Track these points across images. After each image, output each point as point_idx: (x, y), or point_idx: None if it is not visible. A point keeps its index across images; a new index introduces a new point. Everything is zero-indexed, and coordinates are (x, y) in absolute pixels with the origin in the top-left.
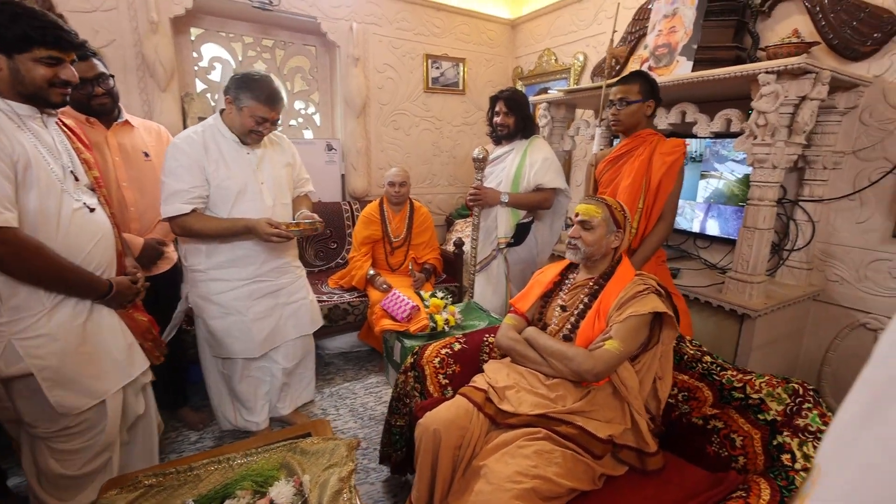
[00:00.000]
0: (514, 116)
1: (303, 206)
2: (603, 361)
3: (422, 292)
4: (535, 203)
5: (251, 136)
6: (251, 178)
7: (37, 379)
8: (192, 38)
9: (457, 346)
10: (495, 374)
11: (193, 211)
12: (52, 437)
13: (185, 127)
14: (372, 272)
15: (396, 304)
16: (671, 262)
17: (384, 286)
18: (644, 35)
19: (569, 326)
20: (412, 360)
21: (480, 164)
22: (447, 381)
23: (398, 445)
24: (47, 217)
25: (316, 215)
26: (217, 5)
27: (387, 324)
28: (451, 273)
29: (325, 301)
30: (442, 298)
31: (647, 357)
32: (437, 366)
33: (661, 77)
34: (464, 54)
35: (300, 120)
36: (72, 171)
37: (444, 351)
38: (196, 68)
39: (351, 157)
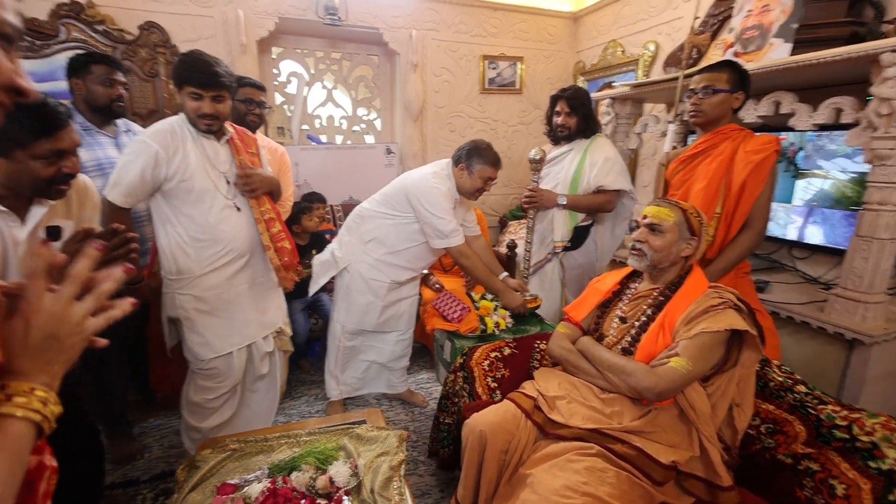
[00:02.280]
0: (576, 116)
1: (489, 254)
2: (667, 380)
3: (472, 294)
4: (596, 205)
5: (475, 195)
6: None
7: (183, 325)
8: (274, 56)
9: (507, 351)
10: (546, 381)
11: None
12: (196, 371)
13: (265, 135)
14: (426, 271)
15: (448, 304)
16: (757, 275)
17: (436, 286)
18: (728, 18)
19: (628, 339)
20: (462, 360)
21: (537, 165)
22: (496, 385)
23: (446, 442)
24: (201, 210)
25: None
26: (294, 25)
27: (438, 323)
28: None
29: None
30: (492, 301)
31: (721, 380)
32: (486, 368)
33: (751, 63)
34: (521, 52)
35: (363, 126)
36: (226, 178)
37: (493, 354)
38: (276, 83)
39: (408, 161)
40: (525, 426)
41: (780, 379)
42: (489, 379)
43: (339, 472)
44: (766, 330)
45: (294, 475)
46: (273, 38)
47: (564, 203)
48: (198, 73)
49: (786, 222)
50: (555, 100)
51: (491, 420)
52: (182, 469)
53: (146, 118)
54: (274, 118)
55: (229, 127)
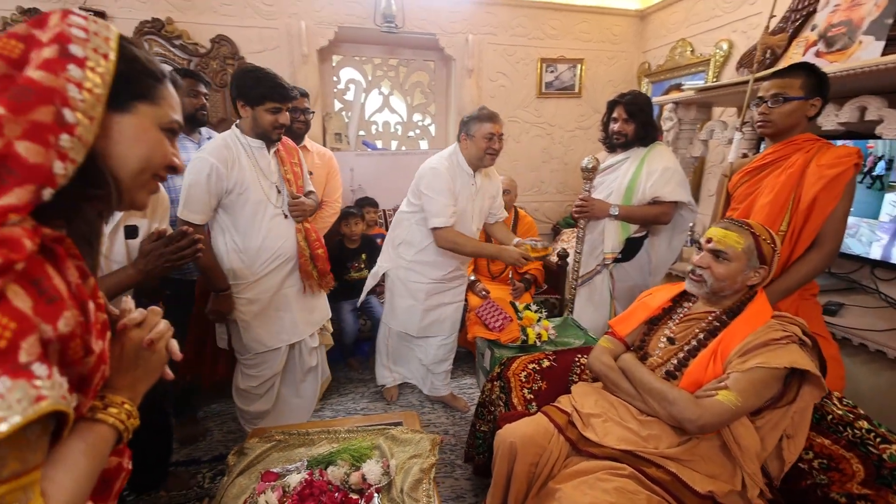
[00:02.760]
0: (633, 123)
1: (504, 230)
2: (712, 413)
3: (517, 303)
4: (651, 217)
5: (487, 157)
6: (469, 204)
7: (238, 325)
8: (334, 65)
9: (545, 363)
10: (582, 398)
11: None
12: (243, 361)
13: (324, 141)
14: (472, 278)
15: (491, 312)
16: (830, 296)
17: (482, 293)
18: (811, 14)
19: (674, 362)
20: (499, 370)
21: (589, 174)
22: (532, 397)
23: (481, 449)
24: (254, 218)
25: (538, 240)
26: (353, 34)
27: (479, 331)
28: (552, 285)
29: None
30: (536, 312)
31: (775, 414)
32: (523, 380)
33: (835, 65)
34: (582, 54)
35: (417, 132)
36: (276, 187)
37: (531, 366)
38: (335, 90)
39: None
40: (557, 441)
41: (839, 412)
42: (525, 390)
43: (372, 470)
44: (829, 359)
45: (330, 469)
46: (333, 47)
47: (616, 214)
48: (278, 89)
49: (870, 240)
50: (612, 105)
51: (523, 432)
52: (233, 454)
53: (217, 126)
54: (332, 124)
55: None
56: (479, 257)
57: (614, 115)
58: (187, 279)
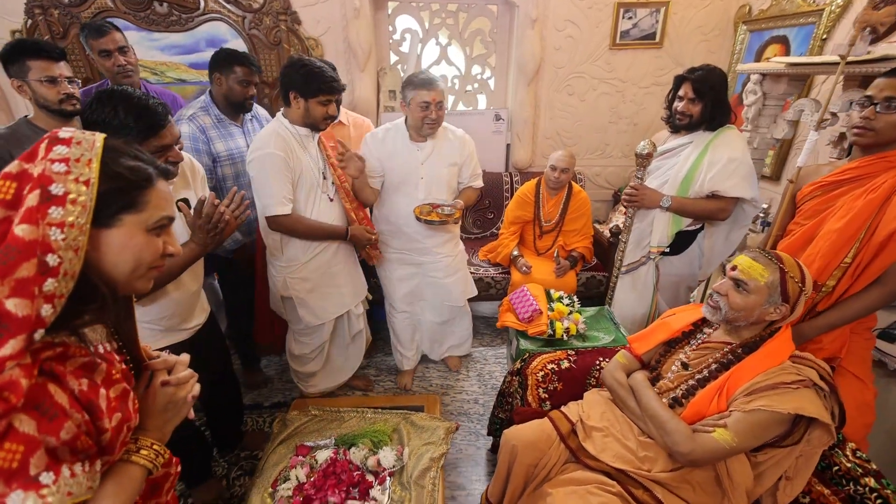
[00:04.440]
0: (700, 104)
1: (463, 196)
2: (704, 450)
3: (552, 291)
4: (706, 213)
5: (425, 127)
6: (413, 172)
7: (294, 301)
8: (389, 13)
9: (564, 364)
10: (590, 408)
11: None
12: (296, 331)
13: (377, 99)
14: (516, 252)
15: (522, 302)
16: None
17: (525, 269)
18: None
19: (683, 389)
20: (520, 365)
21: (644, 160)
22: (546, 396)
23: (498, 433)
24: (306, 204)
25: (456, 205)
26: None
27: (508, 319)
28: (602, 260)
29: (471, 272)
30: (568, 305)
31: (778, 453)
32: (540, 379)
33: None
34: None
35: (476, 85)
36: (323, 173)
37: (550, 366)
38: (391, 41)
39: (517, 127)
40: (558, 447)
41: (848, 465)
42: (541, 389)
43: (387, 456)
44: (860, 405)
45: (353, 450)
46: None
47: (668, 206)
48: (331, 83)
49: None
50: (679, 81)
51: (525, 437)
52: (277, 422)
53: (272, 86)
54: (386, 81)
55: None
56: (314, 238)
57: (680, 92)
58: (230, 257)
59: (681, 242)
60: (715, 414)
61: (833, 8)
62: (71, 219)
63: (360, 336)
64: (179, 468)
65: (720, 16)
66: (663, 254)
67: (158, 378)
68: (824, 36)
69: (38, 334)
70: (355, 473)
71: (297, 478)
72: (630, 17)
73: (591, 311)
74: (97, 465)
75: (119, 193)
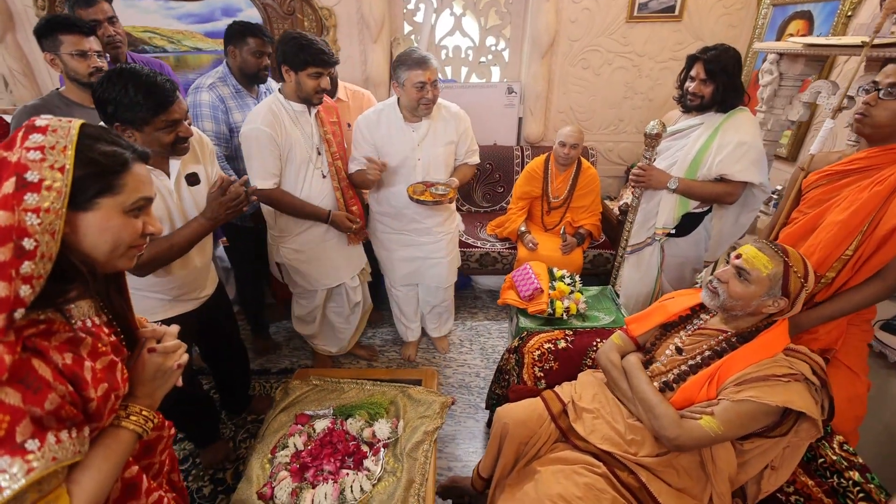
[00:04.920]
0: (712, 85)
1: (458, 173)
2: (690, 436)
3: (554, 270)
4: (713, 196)
5: (421, 107)
6: (410, 154)
7: (287, 268)
8: None
9: (561, 344)
10: (583, 388)
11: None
12: (296, 294)
13: (390, 70)
14: (523, 228)
15: (524, 280)
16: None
17: (531, 245)
18: None
19: (675, 373)
20: (517, 343)
21: (652, 140)
22: (542, 375)
23: (494, 408)
24: (297, 178)
25: (451, 183)
26: None
27: (510, 297)
28: (611, 237)
29: (478, 247)
30: (570, 284)
31: (765, 443)
32: (536, 358)
33: None
34: None
35: (490, 57)
36: (317, 149)
37: (546, 345)
38: (405, 11)
39: (529, 102)
40: (548, 427)
41: (833, 457)
42: (536, 368)
43: (382, 428)
44: (851, 398)
45: (350, 421)
46: None
47: (674, 187)
48: (320, 55)
49: None
50: (691, 61)
51: (516, 416)
52: (280, 391)
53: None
54: (399, 51)
55: None
56: (296, 216)
57: (692, 72)
58: (244, 225)
59: (687, 224)
60: (704, 401)
61: None
62: (46, 204)
63: (358, 307)
64: (173, 431)
65: None
66: (669, 235)
67: (146, 347)
68: (849, 13)
69: (19, 313)
70: (351, 444)
71: (294, 445)
72: None
73: (593, 290)
74: (85, 432)
75: (95, 178)
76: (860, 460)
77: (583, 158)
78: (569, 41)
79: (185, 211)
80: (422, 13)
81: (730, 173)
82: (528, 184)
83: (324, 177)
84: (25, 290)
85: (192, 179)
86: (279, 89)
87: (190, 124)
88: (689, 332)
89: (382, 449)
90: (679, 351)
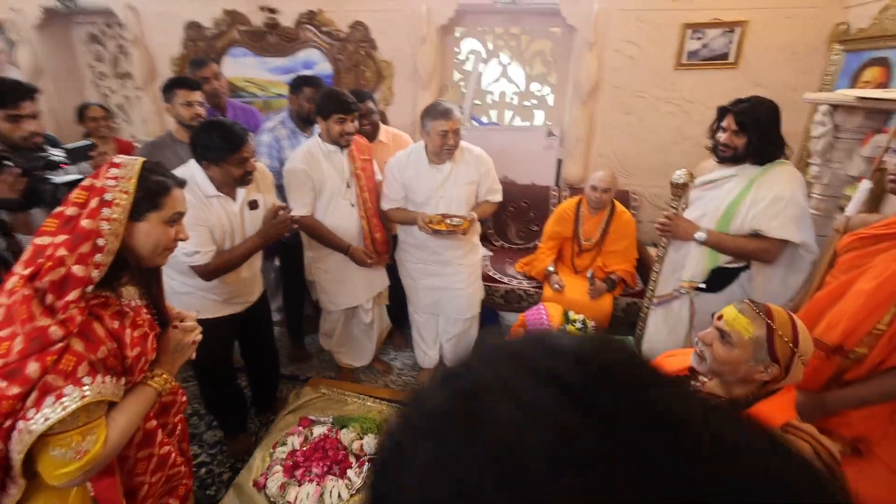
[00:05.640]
0: (745, 137)
1: (479, 209)
2: None
3: (570, 313)
4: (747, 252)
5: (444, 153)
6: (434, 193)
7: (316, 285)
8: (457, 35)
9: None
10: None
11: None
12: (322, 308)
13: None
14: (551, 269)
15: (534, 319)
16: None
17: (557, 286)
18: None
19: None
20: None
21: (679, 190)
22: None
23: None
24: (326, 209)
25: (467, 216)
26: (472, 8)
27: (518, 334)
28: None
29: (504, 283)
30: (580, 329)
31: None
32: None
33: None
34: (745, 15)
35: (534, 101)
36: (346, 182)
37: None
38: (455, 61)
39: (570, 144)
40: None
41: None
42: None
43: (370, 442)
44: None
45: (344, 431)
46: (457, 19)
47: (703, 239)
48: (342, 103)
49: None
50: (722, 112)
51: None
52: (293, 394)
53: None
54: (448, 96)
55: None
56: (321, 242)
57: (723, 123)
58: (292, 243)
59: (719, 279)
60: None
61: None
62: (115, 216)
63: (371, 327)
64: (185, 398)
65: (813, 33)
66: (698, 289)
67: (174, 331)
68: None
69: (89, 289)
70: (340, 452)
71: (292, 444)
72: (699, 37)
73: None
74: (121, 381)
75: (147, 199)
76: None
77: (617, 202)
78: (612, 88)
79: (245, 230)
80: (471, 62)
81: (765, 229)
82: (558, 224)
83: (352, 206)
84: (95, 273)
85: (253, 205)
86: (318, 133)
87: (255, 161)
88: None
89: (367, 463)
90: None
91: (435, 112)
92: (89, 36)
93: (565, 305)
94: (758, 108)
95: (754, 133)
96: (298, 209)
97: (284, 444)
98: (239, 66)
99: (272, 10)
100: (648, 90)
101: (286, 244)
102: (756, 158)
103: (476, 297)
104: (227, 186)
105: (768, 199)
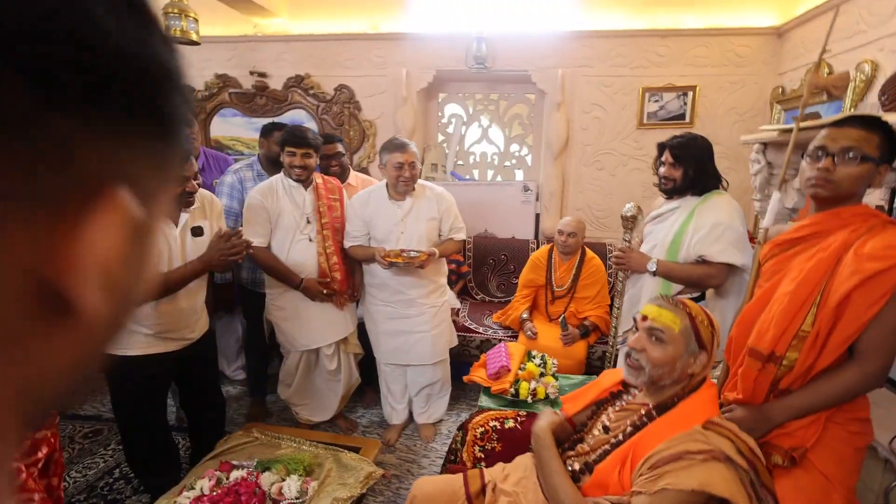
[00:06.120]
0: (681, 168)
1: (441, 246)
2: None
3: (533, 352)
4: (694, 279)
5: (400, 184)
6: (393, 228)
7: (273, 324)
8: (440, 101)
9: (509, 423)
10: (514, 471)
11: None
12: (284, 357)
13: (420, 172)
14: (525, 316)
15: (494, 358)
16: None
17: (530, 333)
18: None
19: (595, 456)
20: (467, 419)
21: (629, 222)
22: (482, 455)
23: None
24: (283, 243)
25: (423, 254)
26: (450, 75)
27: (477, 375)
28: None
29: (480, 333)
30: (539, 366)
31: None
32: (479, 436)
33: None
34: (694, 81)
35: (514, 161)
36: (307, 218)
37: (492, 423)
38: (439, 124)
39: (545, 199)
40: None
41: None
42: (477, 448)
43: (291, 486)
44: None
45: (266, 474)
46: (438, 85)
47: (653, 270)
48: (293, 137)
49: None
50: (661, 148)
51: (428, 490)
52: (222, 441)
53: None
54: (430, 156)
55: (318, 178)
56: (271, 275)
57: (662, 157)
58: (258, 292)
59: None
60: (618, 487)
61: (858, 82)
62: None
63: (336, 376)
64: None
65: (756, 96)
66: None
67: None
68: (852, 109)
69: None
70: (254, 498)
71: (200, 489)
72: (656, 101)
73: (576, 378)
74: None
75: None
76: None
77: (587, 248)
78: (581, 145)
79: (186, 257)
80: (453, 126)
81: (708, 254)
82: (531, 272)
83: (310, 241)
84: None
85: (197, 231)
86: (283, 169)
87: (199, 184)
88: (617, 409)
89: None
90: (606, 430)
91: (391, 146)
92: None
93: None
94: (691, 142)
95: (689, 165)
96: (252, 238)
97: (192, 488)
98: (227, 126)
99: (262, 74)
100: (616, 147)
101: (249, 290)
102: (695, 190)
103: (441, 339)
104: (167, 210)
105: (708, 226)
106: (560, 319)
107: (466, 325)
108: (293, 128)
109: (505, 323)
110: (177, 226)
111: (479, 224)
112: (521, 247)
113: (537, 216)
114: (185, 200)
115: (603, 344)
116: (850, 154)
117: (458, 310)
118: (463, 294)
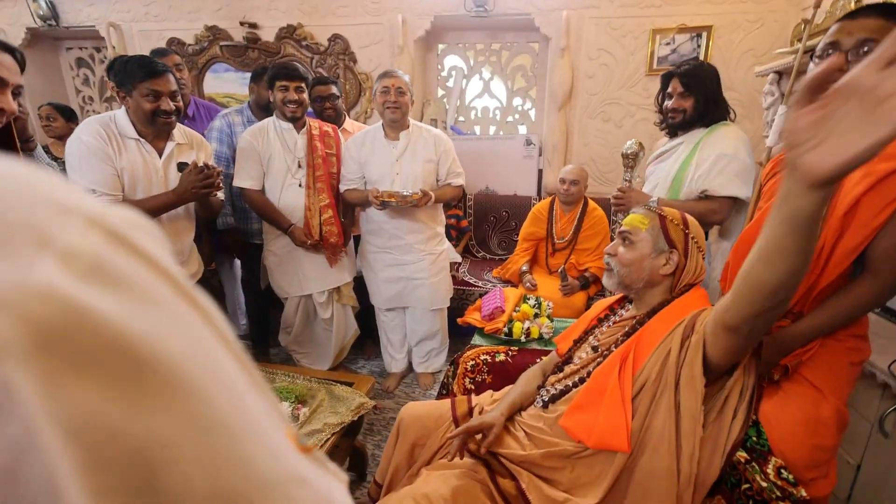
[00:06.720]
0: (691, 98)
1: (439, 190)
2: None
3: (530, 297)
4: (696, 215)
5: (387, 112)
6: (389, 168)
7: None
8: (439, 53)
9: (500, 357)
10: (501, 396)
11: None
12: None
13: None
14: (524, 269)
15: (489, 300)
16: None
17: (529, 285)
18: None
19: (588, 371)
20: (458, 354)
21: (629, 160)
22: (472, 387)
23: None
24: (274, 185)
25: (416, 193)
26: (449, 22)
27: (472, 317)
28: None
29: (479, 287)
30: (534, 307)
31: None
32: (469, 368)
33: None
34: (710, 20)
35: (517, 116)
36: (298, 162)
37: (483, 357)
38: (438, 77)
39: (548, 153)
40: (449, 430)
41: (763, 485)
42: (467, 379)
43: (282, 409)
44: (814, 422)
45: None
46: (437, 35)
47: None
48: (284, 69)
49: None
50: (667, 78)
51: (414, 412)
52: None
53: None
54: (429, 111)
55: (313, 124)
56: (263, 218)
57: (669, 89)
58: (250, 242)
59: None
60: (615, 395)
61: None
62: None
63: (330, 325)
64: None
65: (776, 35)
66: None
67: None
68: None
69: None
70: None
71: None
72: (668, 44)
73: (571, 321)
74: None
75: None
76: (803, 494)
77: (590, 199)
78: (587, 95)
79: (168, 188)
80: (453, 79)
81: (711, 188)
82: (532, 224)
83: (300, 186)
84: None
85: (182, 167)
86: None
87: (179, 107)
88: (607, 327)
89: None
90: (595, 349)
91: (380, 76)
92: (77, 61)
93: None
94: (700, 69)
95: (700, 93)
96: (243, 181)
97: None
98: (220, 82)
99: (253, 25)
100: (623, 96)
101: (247, 243)
102: (703, 122)
103: (440, 287)
104: (146, 129)
105: (712, 158)
106: (560, 271)
107: (465, 279)
108: (283, 62)
109: (504, 277)
110: (161, 155)
111: (480, 181)
112: (523, 203)
113: (540, 172)
114: (163, 121)
115: (603, 296)
116: (867, 48)
117: (458, 265)
118: (465, 252)
